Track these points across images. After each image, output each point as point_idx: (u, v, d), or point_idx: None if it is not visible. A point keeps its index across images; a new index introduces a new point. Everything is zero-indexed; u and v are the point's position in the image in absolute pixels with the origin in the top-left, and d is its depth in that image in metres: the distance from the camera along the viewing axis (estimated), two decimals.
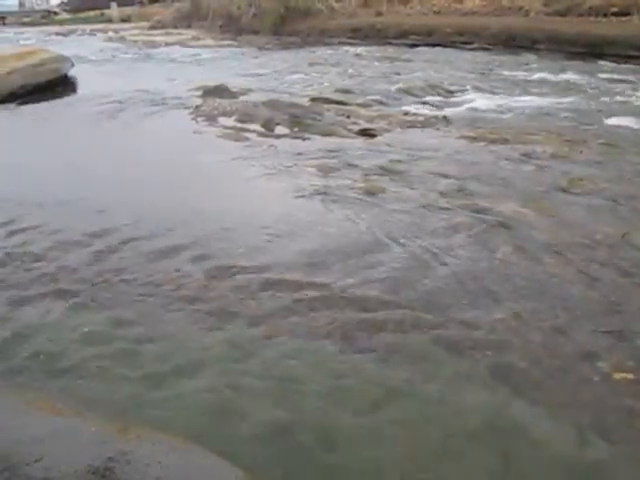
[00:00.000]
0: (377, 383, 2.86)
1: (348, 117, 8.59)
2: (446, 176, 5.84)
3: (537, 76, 12.58)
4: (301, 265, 4.04)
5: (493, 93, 10.74)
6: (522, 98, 10.19)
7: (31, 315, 3.59)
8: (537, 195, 5.31)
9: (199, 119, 9.03)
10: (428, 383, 2.84)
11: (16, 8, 64.88)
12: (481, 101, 10.04)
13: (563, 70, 13.03)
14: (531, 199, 5.19)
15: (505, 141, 7.10)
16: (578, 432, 2.52)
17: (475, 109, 9.48)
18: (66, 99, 12.53)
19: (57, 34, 40.84)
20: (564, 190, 5.41)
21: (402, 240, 4.39)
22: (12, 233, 4.86)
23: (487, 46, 18.38)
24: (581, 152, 6.60)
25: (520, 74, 12.93)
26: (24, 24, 60.17)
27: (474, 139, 7.30)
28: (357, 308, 3.51)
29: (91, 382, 2.96)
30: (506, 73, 13.17)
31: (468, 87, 11.28)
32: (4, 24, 57.76)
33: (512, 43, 17.94)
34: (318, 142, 7.48)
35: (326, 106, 9.40)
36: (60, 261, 4.30)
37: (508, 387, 2.80)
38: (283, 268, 4.01)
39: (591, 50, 15.71)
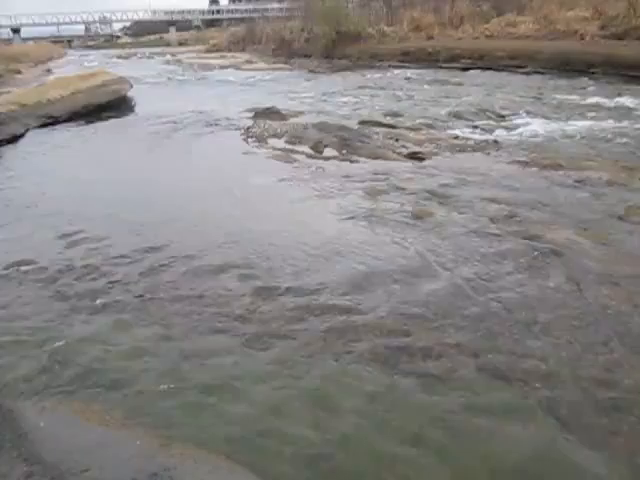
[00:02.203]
0: (420, 411, 2.81)
1: (397, 140, 8.59)
2: (496, 201, 5.74)
3: (592, 100, 12.26)
4: (346, 288, 4.04)
5: (546, 117, 10.53)
6: (577, 123, 9.94)
7: (82, 327, 3.73)
8: (592, 223, 5.14)
9: (250, 140, 9.23)
10: (474, 414, 2.77)
11: (82, 32, 68.70)
12: (534, 125, 9.85)
13: (620, 94, 12.65)
14: (585, 227, 5.03)
15: (558, 166, 6.93)
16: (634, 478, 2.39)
17: (527, 133, 9.30)
18: (124, 119, 13.07)
19: (118, 57, 42.93)
20: (621, 218, 5.22)
21: (450, 265, 4.33)
22: (69, 246, 5.08)
23: (540, 70, 18.10)
24: None
25: (575, 98, 12.64)
26: (89, 47, 63.74)
27: (526, 164, 7.16)
28: (401, 333, 3.47)
29: (137, 395, 3.03)
30: (560, 97, 12.91)
31: (520, 111, 11.11)
32: (70, 47, 61.32)
33: (566, 67, 17.61)
34: (366, 165, 7.50)
35: (375, 129, 9.44)
36: (112, 275, 4.45)
37: (558, 422, 2.70)
38: (328, 290, 4.01)
39: None
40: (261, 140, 9.11)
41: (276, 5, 46.34)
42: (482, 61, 20.52)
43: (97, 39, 70.56)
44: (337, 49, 27.36)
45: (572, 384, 2.94)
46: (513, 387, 2.94)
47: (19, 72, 25.83)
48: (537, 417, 2.73)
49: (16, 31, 52.21)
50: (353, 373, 3.13)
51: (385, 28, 28.62)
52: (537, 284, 4.02)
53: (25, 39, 52.32)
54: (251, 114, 11.58)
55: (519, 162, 7.27)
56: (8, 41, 48.23)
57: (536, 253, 4.49)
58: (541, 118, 10.48)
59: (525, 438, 2.61)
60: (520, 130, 9.58)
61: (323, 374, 3.12)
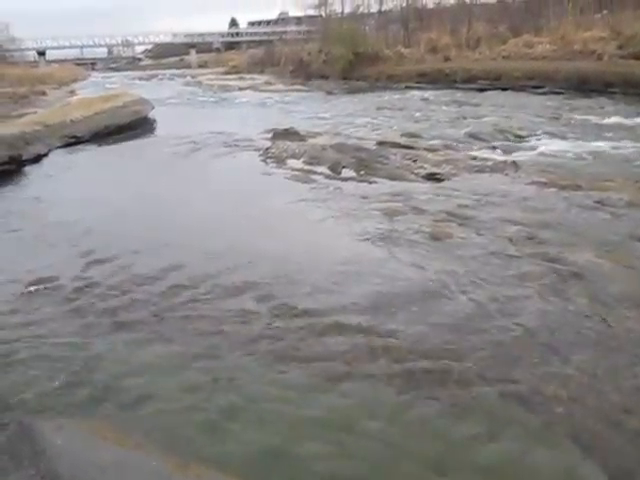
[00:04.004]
0: (441, 437, 2.77)
1: (415, 161, 8.60)
2: (515, 222, 5.70)
3: (611, 120, 12.19)
4: (364, 310, 4.02)
5: (565, 138, 10.49)
6: (595, 143, 9.88)
7: (101, 345, 3.76)
8: (613, 245, 5.07)
9: (268, 161, 9.32)
10: (495, 440, 2.72)
11: (105, 55, 70.43)
12: (552, 146, 9.81)
13: (639, 114, 12.56)
14: (606, 249, 4.96)
15: (578, 187, 6.87)
16: None
17: (546, 154, 9.26)
18: (145, 139, 13.30)
19: (140, 78, 43.81)
20: None
21: (469, 288, 4.30)
22: (90, 265, 5.15)
23: (558, 90, 18.07)
24: None
25: (593, 118, 12.58)
26: (111, 69, 65.20)
27: (545, 185, 7.11)
28: (420, 356, 3.43)
29: (154, 415, 3.04)
30: (578, 117, 12.86)
31: (538, 131, 11.09)
32: (94, 69, 62.83)
33: (584, 87, 17.57)
34: (384, 185, 7.51)
35: (393, 150, 9.47)
36: (131, 294, 4.49)
37: (582, 449, 2.64)
38: (346, 312, 4.00)
39: None
40: (280, 161, 9.20)
41: (294, 28, 47.00)
42: (499, 82, 20.58)
43: (119, 61, 72.19)
44: (355, 71, 27.65)
45: (596, 410, 2.88)
46: (535, 413, 2.89)
47: (44, 93, 26.46)
48: (560, 444, 2.68)
49: (42, 54, 53.58)
50: (372, 396, 3.10)
51: (402, 50, 28.92)
52: (558, 307, 3.97)
53: (50, 61, 53.66)
54: (270, 135, 11.71)
55: (538, 183, 7.23)
56: (34, 63, 49.49)
57: (557, 275, 4.43)
58: (559, 138, 10.45)
59: (548, 466, 2.56)
60: (538, 150, 9.55)
61: (342, 397, 3.10)
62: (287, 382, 3.26)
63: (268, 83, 30.32)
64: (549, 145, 9.89)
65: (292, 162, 9.08)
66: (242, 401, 3.10)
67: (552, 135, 10.74)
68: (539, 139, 10.48)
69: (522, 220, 5.77)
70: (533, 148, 9.77)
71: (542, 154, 9.30)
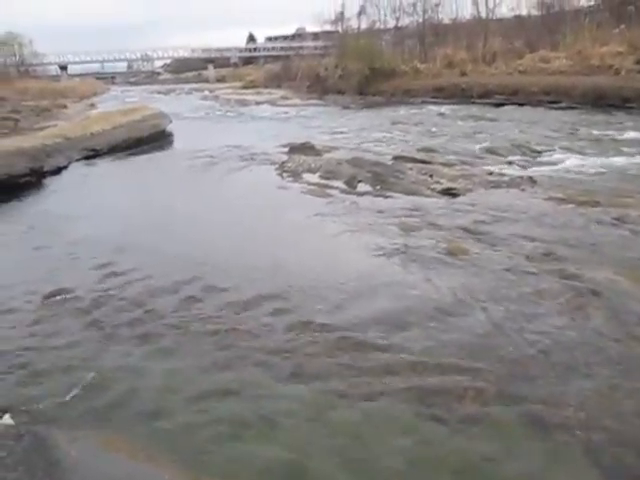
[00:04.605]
0: (456, 456, 2.73)
1: (431, 176, 8.59)
2: (532, 239, 5.65)
3: (630, 135, 12.09)
4: (380, 325, 4.00)
5: (582, 153, 10.41)
6: (614, 158, 9.80)
7: (117, 357, 3.79)
8: (632, 262, 5.00)
9: (285, 175, 9.37)
10: (511, 461, 2.68)
11: (125, 69, 71.76)
12: (569, 161, 9.74)
13: None
14: (626, 266, 4.89)
15: (596, 204, 6.80)
16: None
17: (563, 170, 9.19)
18: (163, 152, 13.46)
19: (158, 92, 44.52)
20: None
21: (485, 305, 4.26)
22: (107, 276, 5.20)
23: (575, 105, 17.99)
24: None
25: (611, 133, 12.49)
26: (130, 83, 66.42)
27: (562, 201, 7.04)
28: (435, 373, 3.40)
29: (167, 428, 3.04)
30: (596, 132, 12.76)
31: (555, 147, 11.02)
32: (114, 83, 64.04)
33: (602, 102, 17.47)
34: (400, 200, 7.51)
35: (409, 164, 9.47)
36: (148, 306, 4.53)
37: (601, 472, 2.59)
38: (361, 327, 3.98)
39: None
40: (296, 175, 9.24)
41: (311, 43, 47.46)
42: (516, 97, 20.54)
43: (138, 75, 73.44)
44: (371, 85, 27.77)
45: (615, 433, 2.82)
46: (552, 434, 2.84)
47: (65, 107, 26.99)
48: (579, 467, 2.63)
49: (63, 68, 54.75)
50: (387, 413, 3.08)
51: (418, 65, 29.02)
52: (576, 325, 3.91)
53: (71, 75, 54.75)
54: (286, 149, 11.78)
55: (555, 199, 7.17)
56: (56, 77, 50.53)
57: (575, 293, 4.37)
58: (577, 154, 10.37)
59: None
60: (556, 166, 9.49)
61: (356, 413, 3.08)
62: (301, 397, 3.25)
63: (285, 98, 30.58)
64: (566, 160, 9.82)
65: (308, 176, 9.12)
66: (255, 416, 3.09)
67: (569, 150, 10.66)
68: (556, 154, 10.42)
69: (539, 236, 5.72)
70: (550, 163, 9.71)
71: (559, 169, 9.23)
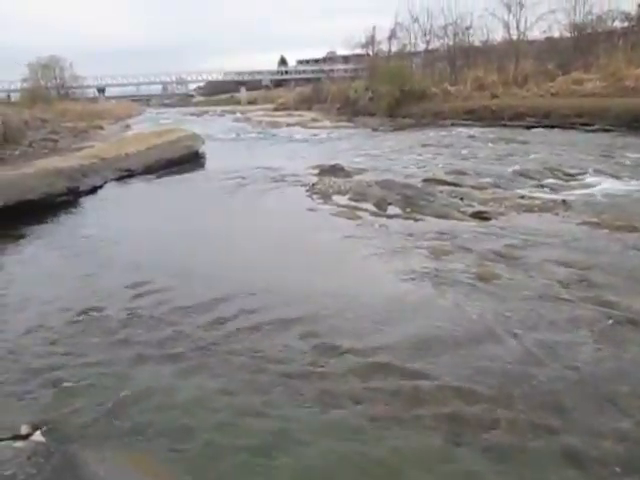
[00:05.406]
0: None
1: (461, 199, 8.53)
2: (566, 264, 5.53)
3: None
4: (409, 351, 3.96)
5: (617, 176, 10.19)
6: None
7: (145, 377, 3.82)
8: None
9: (315, 196, 9.42)
10: None
11: (159, 91, 73.64)
12: (604, 185, 9.54)
13: None
14: None
15: (633, 229, 6.64)
16: None
17: (597, 193, 9.01)
18: (195, 173, 13.69)
19: (192, 114, 45.50)
20: None
21: (517, 332, 4.17)
22: (138, 296, 5.28)
23: (609, 127, 17.68)
24: None
25: None
26: (165, 105, 68.08)
27: (597, 225, 6.90)
28: (465, 401, 3.34)
29: (194, 450, 3.04)
30: (631, 156, 12.49)
31: (589, 170, 10.80)
32: (148, 105, 65.72)
33: (637, 124, 17.12)
34: (430, 223, 7.46)
35: (439, 187, 9.43)
36: (177, 326, 4.57)
37: None
38: (390, 352, 3.94)
39: None
40: (325, 197, 9.28)
41: (341, 66, 47.97)
42: (548, 119, 20.32)
43: (172, 98, 75.24)
44: (401, 108, 27.83)
45: None
46: (589, 470, 2.74)
47: (101, 128, 27.77)
48: None
49: (101, 90, 56.49)
50: (415, 441, 3.02)
51: (449, 87, 28.99)
52: (613, 355, 3.80)
53: (109, 97, 56.44)
54: (316, 171, 11.87)
55: (589, 223, 7.02)
56: (94, 99, 52.11)
57: (611, 321, 4.26)
58: (611, 177, 10.16)
59: None
60: (589, 190, 9.31)
61: (383, 440, 3.04)
62: (328, 422, 3.22)
63: (315, 120, 30.88)
64: (601, 184, 9.62)
65: (338, 198, 9.15)
66: (282, 439, 3.08)
67: (604, 174, 10.45)
68: (590, 177, 10.21)
69: (573, 262, 5.60)
70: (584, 187, 9.53)
71: (593, 193, 9.05)
